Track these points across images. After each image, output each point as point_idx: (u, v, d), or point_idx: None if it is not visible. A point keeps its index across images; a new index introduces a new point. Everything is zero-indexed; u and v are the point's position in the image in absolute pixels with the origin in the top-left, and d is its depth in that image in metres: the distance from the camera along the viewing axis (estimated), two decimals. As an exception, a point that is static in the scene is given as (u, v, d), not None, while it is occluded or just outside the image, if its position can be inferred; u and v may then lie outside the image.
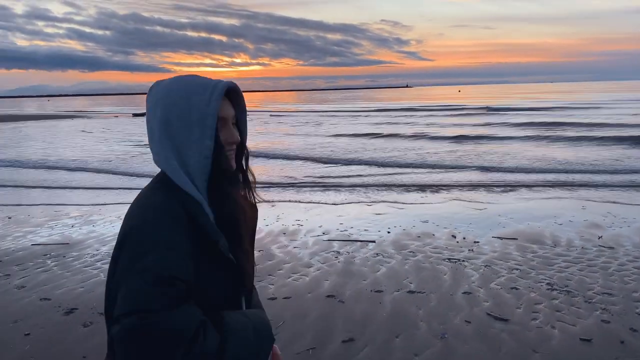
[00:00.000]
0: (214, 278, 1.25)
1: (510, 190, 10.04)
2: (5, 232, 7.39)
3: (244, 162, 1.44)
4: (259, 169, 13.56)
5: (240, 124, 1.41)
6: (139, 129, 32.23)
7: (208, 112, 1.24)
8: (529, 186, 10.44)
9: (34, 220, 8.23)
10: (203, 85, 1.28)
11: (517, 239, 6.47)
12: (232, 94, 1.36)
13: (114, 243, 6.00)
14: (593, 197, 9.18)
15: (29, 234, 7.27)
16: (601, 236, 6.47)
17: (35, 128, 35.98)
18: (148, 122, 1.31)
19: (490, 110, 38.83)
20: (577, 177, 11.34)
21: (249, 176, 1.47)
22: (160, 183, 1.28)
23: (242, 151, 1.43)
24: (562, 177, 11.48)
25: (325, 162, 15.14)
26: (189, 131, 1.25)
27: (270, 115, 45.18)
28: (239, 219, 1.32)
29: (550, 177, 11.53)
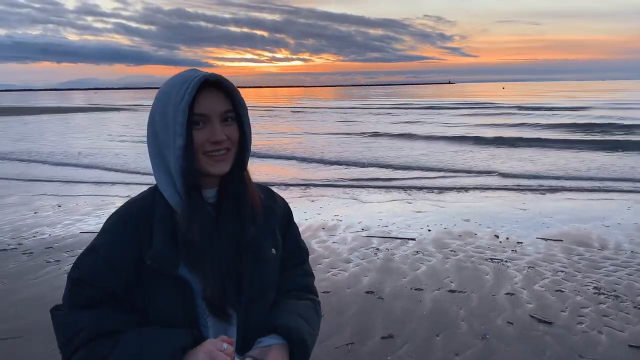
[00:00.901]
0: (163, 294, 1.17)
1: (555, 191, 9.76)
2: (55, 220, 7.68)
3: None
4: (287, 169, 13.66)
5: (240, 121, 1.26)
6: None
7: (179, 108, 1.13)
8: (572, 190, 10.13)
9: (82, 209, 8.52)
10: (184, 78, 1.16)
11: (562, 240, 6.29)
12: (226, 88, 1.22)
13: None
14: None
15: (78, 222, 7.53)
16: (652, 240, 6.22)
17: (83, 119, 37.18)
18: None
19: (524, 109, 37.54)
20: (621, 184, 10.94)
21: (243, 181, 1.30)
22: (154, 186, 1.26)
23: (243, 152, 1.27)
24: (607, 180, 11.08)
25: (361, 166, 15.04)
26: (167, 129, 1.15)
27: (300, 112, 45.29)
28: (193, 238, 1.16)
29: (593, 181, 11.16)
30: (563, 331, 3.89)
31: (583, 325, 3.98)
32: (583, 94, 71.46)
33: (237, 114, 1.24)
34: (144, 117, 41.37)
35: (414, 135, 21.28)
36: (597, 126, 22.81)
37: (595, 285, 4.82)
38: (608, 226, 6.92)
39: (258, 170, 12.51)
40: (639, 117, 27.26)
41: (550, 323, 4.03)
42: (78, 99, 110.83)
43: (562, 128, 23.16)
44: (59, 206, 8.70)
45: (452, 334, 3.87)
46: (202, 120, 1.17)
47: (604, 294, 4.61)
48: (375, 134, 22.22)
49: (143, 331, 1.15)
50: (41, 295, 4.65)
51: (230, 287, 1.23)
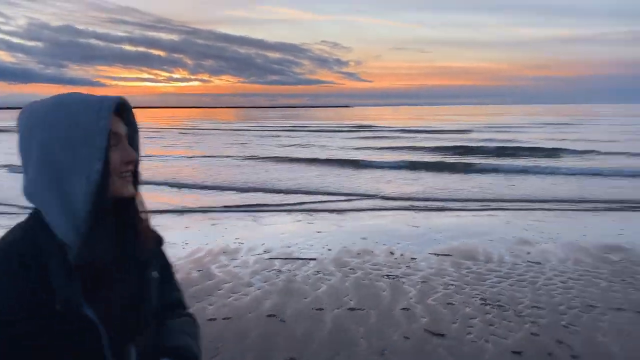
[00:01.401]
0: (60, 333, 1.06)
1: (443, 210, 10.39)
2: None
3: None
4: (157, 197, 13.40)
5: (134, 144, 1.23)
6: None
7: (96, 130, 1.08)
8: (457, 209, 10.84)
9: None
10: (87, 101, 1.12)
11: (451, 255, 6.69)
12: (122, 111, 1.19)
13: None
14: (518, 216, 9.65)
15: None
16: (529, 252, 6.80)
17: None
18: (22, 148, 1.12)
19: (408, 132, 39.65)
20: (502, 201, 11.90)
21: (140, 204, 1.26)
22: (31, 219, 1.13)
23: (136, 174, 1.24)
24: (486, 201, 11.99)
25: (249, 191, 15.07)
26: (74, 153, 1.08)
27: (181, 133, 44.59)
28: (98, 271, 1.11)
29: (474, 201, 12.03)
30: (454, 342, 4.12)
31: (472, 335, 4.25)
32: (466, 117, 76.85)
33: (134, 135, 1.23)
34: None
35: (302, 159, 21.10)
36: (474, 149, 24.63)
37: (482, 296, 5.17)
38: (492, 240, 7.47)
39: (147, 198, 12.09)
40: (517, 139, 29.93)
41: (442, 335, 4.25)
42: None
43: (443, 151, 24.62)
44: None
45: (353, 352, 3.96)
46: (114, 140, 1.14)
47: (489, 304, 4.96)
48: (269, 158, 22.25)
49: None
50: None
51: (131, 319, 1.18)
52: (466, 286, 5.49)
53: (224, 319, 4.62)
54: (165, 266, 1.43)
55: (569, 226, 8.56)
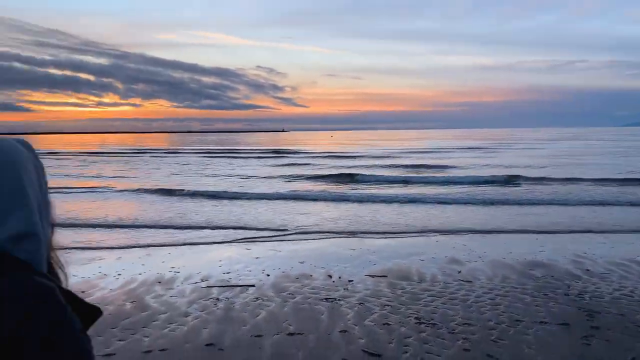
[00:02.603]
0: None
1: (376, 233, 10.65)
2: None
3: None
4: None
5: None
6: None
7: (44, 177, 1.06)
8: (386, 232, 11.14)
9: None
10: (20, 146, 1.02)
11: (387, 276, 6.87)
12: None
13: None
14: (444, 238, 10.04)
15: None
16: (460, 271, 7.10)
17: None
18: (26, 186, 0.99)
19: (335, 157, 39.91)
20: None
21: None
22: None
23: None
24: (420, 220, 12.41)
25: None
26: (47, 198, 1.05)
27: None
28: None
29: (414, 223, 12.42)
30: (391, 362, 4.24)
31: (407, 355, 4.38)
32: (391, 142, 78.81)
33: None
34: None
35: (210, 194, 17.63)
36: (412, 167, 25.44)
37: (417, 315, 5.35)
38: (423, 260, 7.73)
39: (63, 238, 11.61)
40: (441, 162, 31.20)
41: (379, 355, 4.36)
42: None
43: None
44: None
45: (293, 377, 3.98)
46: None
47: (424, 322, 5.13)
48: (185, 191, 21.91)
49: None
50: None
51: None
52: (401, 306, 5.66)
53: (160, 350, 4.52)
54: None
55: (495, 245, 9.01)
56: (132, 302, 5.88)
